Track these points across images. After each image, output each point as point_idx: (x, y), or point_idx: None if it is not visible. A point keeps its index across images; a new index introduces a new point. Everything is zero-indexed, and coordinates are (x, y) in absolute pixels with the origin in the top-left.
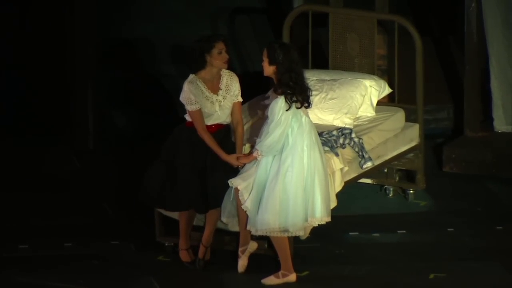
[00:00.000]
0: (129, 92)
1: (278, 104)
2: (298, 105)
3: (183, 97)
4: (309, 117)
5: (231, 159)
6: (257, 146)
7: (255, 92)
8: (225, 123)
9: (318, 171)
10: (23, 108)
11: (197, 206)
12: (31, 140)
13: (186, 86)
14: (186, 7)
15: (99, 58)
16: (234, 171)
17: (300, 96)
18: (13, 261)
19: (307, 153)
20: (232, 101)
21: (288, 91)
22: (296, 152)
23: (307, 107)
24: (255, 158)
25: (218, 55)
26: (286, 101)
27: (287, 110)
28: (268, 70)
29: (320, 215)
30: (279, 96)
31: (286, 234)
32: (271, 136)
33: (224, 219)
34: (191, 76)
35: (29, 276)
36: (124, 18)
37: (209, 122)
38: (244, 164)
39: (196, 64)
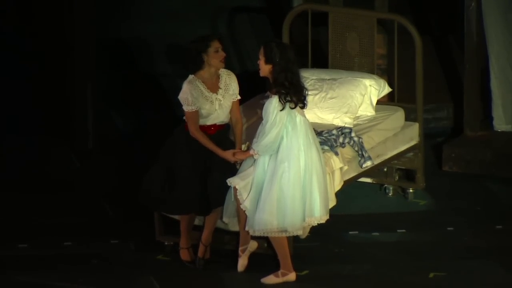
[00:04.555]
0: (129, 92)
1: (272, 104)
2: (292, 105)
3: (181, 97)
4: (305, 117)
5: (227, 155)
6: (253, 146)
7: (254, 91)
8: (223, 123)
9: (316, 170)
10: (22, 108)
11: (198, 209)
12: (31, 140)
13: (185, 87)
14: (185, 6)
15: (98, 58)
16: (233, 171)
17: (294, 96)
18: (12, 260)
19: (303, 153)
20: (231, 100)
21: (283, 91)
22: (292, 153)
23: (302, 108)
24: (251, 155)
25: (215, 54)
26: (280, 101)
27: (281, 110)
28: (264, 69)
29: (319, 214)
30: (273, 96)
31: (284, 234)
32: (268, 136)
33: (225, 219)
34: (191, 76)
35: (29, 275)
36: (123, 18)
37: (208, 122)
38: (242, 162)
39: (194, 64)
